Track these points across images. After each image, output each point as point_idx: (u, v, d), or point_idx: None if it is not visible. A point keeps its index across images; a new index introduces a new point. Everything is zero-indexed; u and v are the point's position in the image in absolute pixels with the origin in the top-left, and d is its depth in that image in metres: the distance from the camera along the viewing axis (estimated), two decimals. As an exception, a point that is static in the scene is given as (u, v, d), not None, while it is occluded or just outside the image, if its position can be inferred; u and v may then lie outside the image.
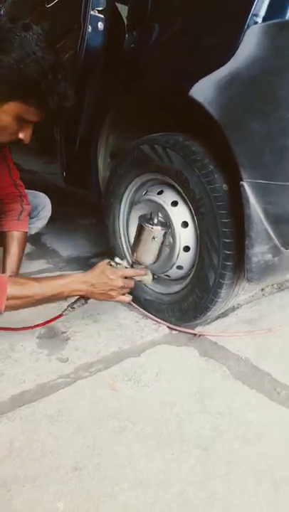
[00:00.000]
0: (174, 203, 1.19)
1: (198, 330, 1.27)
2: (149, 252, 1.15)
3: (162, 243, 1.16)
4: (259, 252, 0.97)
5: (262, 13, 0.88)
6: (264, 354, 1.16)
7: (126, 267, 1.15)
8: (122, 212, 1.42)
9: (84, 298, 1.13)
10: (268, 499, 0.73)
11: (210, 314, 1.19)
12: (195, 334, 1.25)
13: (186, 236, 1.17)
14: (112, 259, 1.15)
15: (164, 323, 1.30)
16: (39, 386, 0.99)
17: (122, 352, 1.15)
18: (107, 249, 1.52)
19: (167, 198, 1.21)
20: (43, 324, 1.18)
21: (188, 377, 1.05)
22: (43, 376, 1.02)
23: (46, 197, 1.57)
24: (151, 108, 1.31)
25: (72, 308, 1.14)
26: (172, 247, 1.20)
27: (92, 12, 1.35)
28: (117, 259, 1.15)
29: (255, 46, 0.87)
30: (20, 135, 1.04)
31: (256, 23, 0.88)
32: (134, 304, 1.39)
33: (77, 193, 2.00)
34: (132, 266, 1.18)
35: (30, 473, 0.76)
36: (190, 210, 1.14)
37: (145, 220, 1.15)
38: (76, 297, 1.13)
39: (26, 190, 1.44)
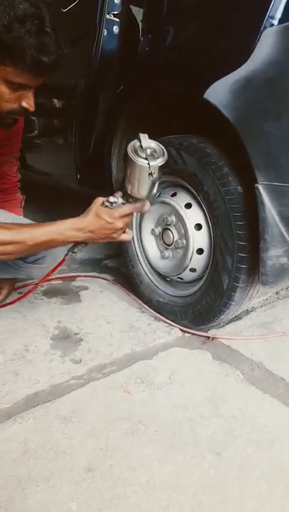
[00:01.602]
0: (188, 205, 1.19)
1: (211, 333, 1.26)
2: (145, 186, 0.97)
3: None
4: (274, 255, 0.96)
5: (278, 15, 0.87)
6: (278, 358, 1.15)
7: (122, 203, 1.01)
8: (135, 214, 1.43)
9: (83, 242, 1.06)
10: (282, 504, 0.72)
11: (223, 317, 1.18)
12: (208, 337, 1.24)
13: (199, 238, 1.17)
14: (107, 198, 1.01)
15: (177, 325, 1.29)
16: (53, 387, 1.00)
17: (134, 354, 1.16)
18: (120, 251, 1.53)
19: (181, 200, 1.21)
20: (45, 279, 1.20)
21: (201, 381, 1.04)
22: (57, 377, 1.03)
23: None
24: (166, 110, 1.31)
25: (73, 253, 1.08)
26: (185, 249, 1.20)
27: (107, 16, 1.36)
28: (112, 198, 1.01)
29: (271, 48, 0.87)
30: (23, 103, 0.97)
31: (272, 25, 0.88)
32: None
33: (91, 194, 2.01)
34: (127, 201, 1.02)
35: (44, 473, 0.76)
36: (204, 212, 1.14)
37: (136, 152, 0.93)
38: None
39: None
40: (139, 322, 1.34)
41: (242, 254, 1.04)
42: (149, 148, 0.94)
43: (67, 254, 1.09)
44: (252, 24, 0.90)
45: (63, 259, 1.11)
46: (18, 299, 1.32)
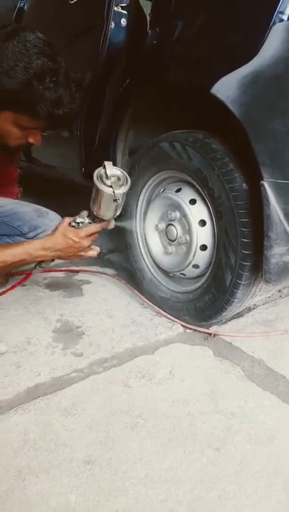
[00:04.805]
0: (192, 201, 1.19)
1: (213, 329, 1.26)
2: (110, 210, 1.04)
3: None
4: (278, 253, 0.96)
5: (288, 10, 0.86)
6: (279, 356, 1.15)
7: (89, 223, 1.08)
8: (138, 209, 1.42)
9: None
10: (279, 501, 0.73)
11: (225, 314, 1.18)
12: (210, 334, 1.24)
13: (203, 235, 1.17)
14: (73, 218, 1.08)
15: (179, 321, 1.29)
16: (54, 379, 1.00)
17: (136, 349, 1.16)
18: (122, 246, 1.53)
19: (185, 196, 1.21)
20: (13, 287, 1.27)
21: (201, 377, 1.05)
22: (58, 370, 1.04)
23: (54, 219, 1.29)
24: (172, 105, 1.30)
25: (40, 267, 1.18)
26: (189, 245, 1.20)
27: (115, 8, 1.35)
28: (78, 219, 1.08)
29: (280, 44, 0.86)
30: (30, 139, 1.04)
31: (282, 20, 0.87)
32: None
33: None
34: (93, 220, 1.09)
35: (44, 464, 0.77)
36: (208, 208, 1.14)
37: (101, 179, 0.99)
38: None
39: (34, 205, 1.35)
40: (141, 317, 1.34)
41: (246, 252, 1.03)
42: (114, 176, 0.99)
43: (35, 268, 1.20)
44: (261, 19, 0.89)
45: (30, 273, 1.23)
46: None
